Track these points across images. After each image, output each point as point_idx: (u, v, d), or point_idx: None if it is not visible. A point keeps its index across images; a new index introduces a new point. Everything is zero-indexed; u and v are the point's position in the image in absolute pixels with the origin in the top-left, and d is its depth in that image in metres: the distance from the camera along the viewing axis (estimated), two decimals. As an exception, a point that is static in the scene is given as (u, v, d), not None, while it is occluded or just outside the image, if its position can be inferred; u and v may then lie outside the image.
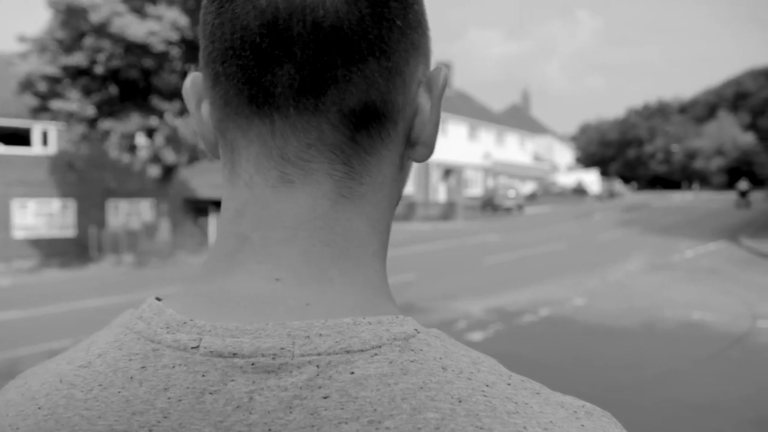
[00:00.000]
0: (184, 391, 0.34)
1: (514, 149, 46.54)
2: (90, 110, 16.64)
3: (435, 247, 17.64)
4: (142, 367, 0.35)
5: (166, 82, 17.33)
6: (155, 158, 17.29)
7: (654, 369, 5.75)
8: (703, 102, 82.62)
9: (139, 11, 15.75)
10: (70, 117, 16.86)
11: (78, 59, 15.95)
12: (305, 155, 0.39)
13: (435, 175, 35.80)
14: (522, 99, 64.88)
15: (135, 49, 15.77)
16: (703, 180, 68.44)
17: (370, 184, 0.41)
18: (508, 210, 32.08)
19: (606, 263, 12.98)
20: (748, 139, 64.57)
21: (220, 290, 0.39)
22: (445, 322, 7.46)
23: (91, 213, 21.70)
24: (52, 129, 20.78)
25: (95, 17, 14.99)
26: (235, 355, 0.34)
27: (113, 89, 17.25)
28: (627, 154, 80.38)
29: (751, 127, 66.49)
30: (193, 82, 0.44)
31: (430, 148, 0.43)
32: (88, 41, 15.68)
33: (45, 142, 21.17)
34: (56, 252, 20.80)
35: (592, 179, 49.41)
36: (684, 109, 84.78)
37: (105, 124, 16.78)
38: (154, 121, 17.00)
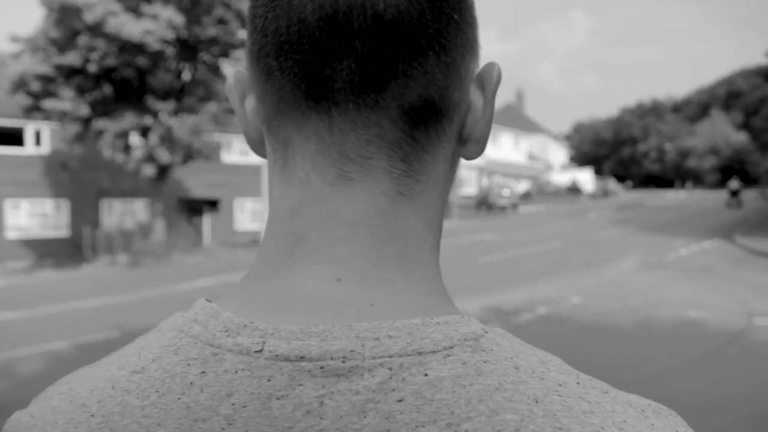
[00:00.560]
0: (249, 396, 0.33)
1: (509, 148, 46.59)
2: (84, 109, 16.57)
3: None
4: (202, 373, 0.34)
5: (161, 82, 17.27)
6: (150, 158, 17.22)
7: (651, 367, 5.77)
8: (695, 101, 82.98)
9: (134, 10, 15.69)
10: (63, 116, 16.78)
11: (72, 58, 15.88)
12: (364, 152, 0.38)
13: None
14: (516, 98, 64.97)
15: (130, 48, 15.70)
16: (696, 179, 68.75)
17: (427, 182, 0.40)
18: (502, 209, 32.12)
19: (601, 262, 13.02)
20: (741, 138, 64.88)
21: (278, 291, 0.38)
22: (442, 321, 7.45)
23: (84, 213, 21.60)
24: (45, 129, 20.67)
25: (90, 16, 14.92)
26: (302, 358, 0.33)
27: (107, 88, 17.17)
28: (621, 153, 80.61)
29: (744, 126, 66.80)
30: (237, 78, 0.43)
31: (482, 146, 0.43)
32: (82, 40, 15.60)
33: (38, 141, 21.06)
34: (50, 252, 20.69)
35: (586, 178, 49.53)
36: (677, 108, 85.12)
37: (99, 123, 16.70)
38: (148, 120, 16.93)
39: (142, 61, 16.12)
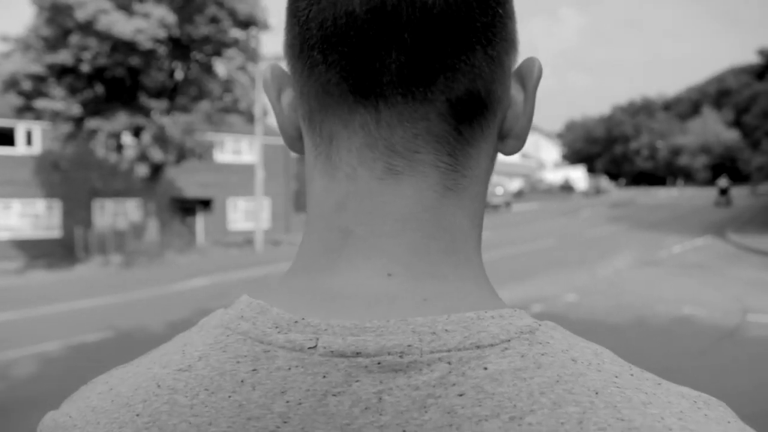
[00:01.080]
0: (304, 393, 0.32)
1: (502, 147, 46.58)
2: (76, 109, 16.46)
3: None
4: (254, 370, 0.34)
5: (154, 81, 17.19)
6: (143, 157, 17.13)
7: (646, 364, 5.68)
8: (686, 99, 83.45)
9: (126, 8, 15.59)
10: (55, 116, 16.66)
11: (63, 57, 15.76)
12: (412, 146, 0.37)
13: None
14: (508, 96, 64.90)
15: (122, 47, 15.61)
16: (688, 176, 69.15)
17: (471, 177, 0.40)
18: (495, 207, 32.19)
19: (595, 259, 13.05)
20: (732, 135, 65.27)
21: (327, 287, 0.37)
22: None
23: (76, 213, 21.48)
24: (37, 128, 20.53)
25: (81, 14, 14.81)
26: (358, 354, 0.33)
27: (99, 88, 17.07)
28: (613, 151, 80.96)
29: (735, 123, 67.21)
30: (274, 73, 0.43)
31: (521, 142, 0.42)
32: (74, 39, 15.49)
33: (29, 141, 20.91)
34: (42, 253, 20.56)
35: (578, 176, 49.71)
36: (668, 106, 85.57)
37: (91, 123, 16.59)
38: (141, 119, 16.85)
39: (134, 60, 16.01)
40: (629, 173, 77.96)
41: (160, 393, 0.35)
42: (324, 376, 0.33)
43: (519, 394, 0.31)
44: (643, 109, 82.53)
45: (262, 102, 19.48)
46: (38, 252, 20.56)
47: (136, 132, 17.30)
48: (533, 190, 47.20)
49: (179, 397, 0.34)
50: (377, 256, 0.37)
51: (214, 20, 16.99)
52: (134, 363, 0.40)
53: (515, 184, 44.64)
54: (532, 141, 60.12)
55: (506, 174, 45.40)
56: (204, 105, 17.95)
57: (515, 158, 49.19)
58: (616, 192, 50.59)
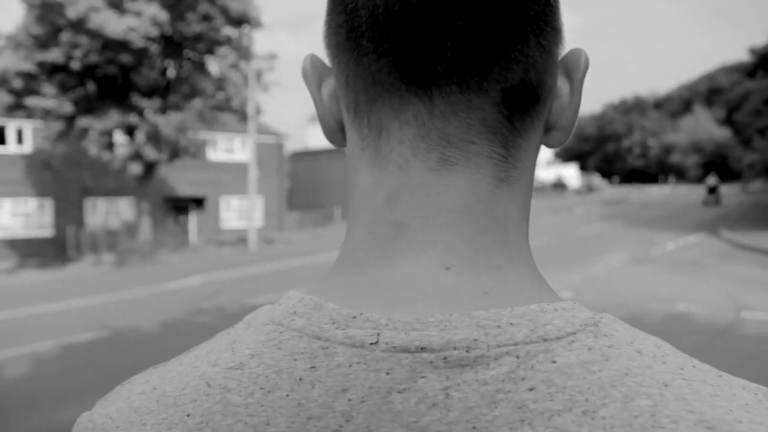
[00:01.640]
0: (367, 391, 0.31)
1: (494, 145, 46.71)
2: (67, 107, 16.35)
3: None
4: (312, 367, 0.33)
5: (146, 79, 17.09)
6: (135, 156, 17.05)
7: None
8: (678, 97, 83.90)
9: (118, 6, 15.49)
10: (46, 114, 16.55)
11: (54, 55, 15.65)
12: (467, 136, 0.36)
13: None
14: (501, 95, 65.02)
15: (113, 45, 15.51)
16: (680, 174, 69.51)
17: (522, 168, 0.39)
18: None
19: (589, 257, 13.09)
20: (724, 133, 65.65)
21: (383, 281, 0.36)
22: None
23: (68, 212, 21.35)
24: (28, 127, 20.39)
25: (72, 12, 14.71)
26: (423, 349, 0.32)
27: (91, 86, 16.96)
28: (605, 149, 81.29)
29: (726, 121, 67.61)
30: (313, 63, 0.41)
31: (567, 134, 0.41)
32: (65, 37, 15.38)
33: (20, 140, 20.76)
34: (33, 252, 20.43)
35: (571, 174, 49.87)
36: (659, 104, 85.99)
37: (83, 121, 16.49)
38: (133, 118, 16.76)
39: (126, 58, 15.92)
40: (621, 171, 78.33)
41: (211, 392, 0.34)
42: (387, 373, 0.32)
43: (590, 388, 0.31)
44: (635, 107, 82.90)
45: (254, 100, 19.42)
46: (30, 251, 20.43)
47: (129, 130, 17.21)
48: (526, 188, 47.28)
49: (233, 396, 0.33)
50: (433, 248, 0.36)
51: (206, 18, 16.91)
52: (174, 362, 0.39)
53: (508, 182, 44.70)
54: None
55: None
56: (196, 103, 17.87)
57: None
58: (608, 190, 50.81)
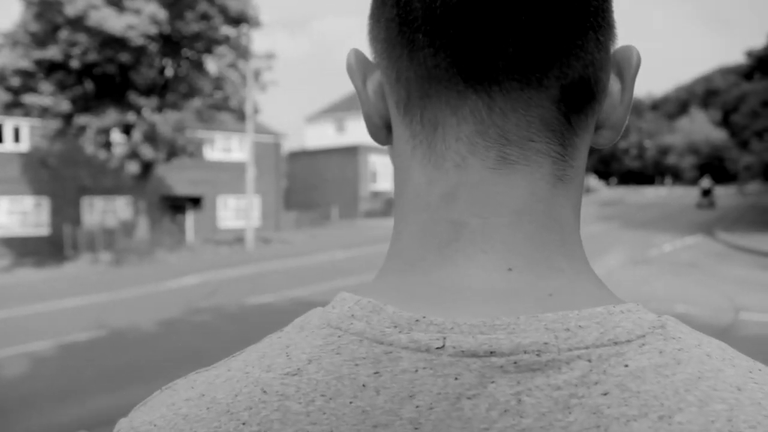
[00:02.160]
0: (435, 397, 0.30)
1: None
2: (65, 105, 16.30)
3: (416, 243, 17.65)
4: (376, 373, 0.31)
5: (144, 77, 17.05)
6: (133, 154, 17.00)
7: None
8: (674, 99, 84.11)
9: (117, 4, 15.45)
10: (44, 112, 16.49)
11: (52, 53, 15.60)
12: (526, 134, 0.35)
13: (413, 172, 35.85)
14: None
15: (112, 43, 15.46)
16: (676, 175, 69.70)
17: (577, 167, 0.38)
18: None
19: (587, 258, 13.10)
20: (720, 135, 65.83)
21: (443, 283, 0.35)
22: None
23: (65, 211, 21.28)
24: (25, 125, 20.32)
25: (71, 10, 14.66)
26: (492, 353, 0.31)
27: (89, 84, 16.91)
28: (601, 150, 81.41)
29: (723, 123, 67.82)
30: (358, 57, 0.40)
31: (617, 133, 0.40)
32: (63, 34, 15.33)
33: (17, 138, 20.69)
34: (30, 251, 20.36)
35: (568, 175, 49.84)
36: (656, 105, 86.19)
37: (80, 119, 16.44)
38: (131, 116, 16.71)
39: (124, 56, 15.88)
40: (618, 172, 78.48)
41: (268, 399, 0.32)
42: (456, 378, 0.30)
43: (664, 392, 0.30)
44: (631, 109, 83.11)
45: (252, 99, 19.39)
46: (26, 250, 20.35)
47: (126, 129, 17.17)
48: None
49: (291, 403, 0.32)
50: (494, 248, 0.35)
51: (205, 17, 16.88)
52: (219, 367, 0.37)
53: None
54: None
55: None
56: (194, 102, 17.84)
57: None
58: (605, 191, 50.90)
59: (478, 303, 0.34)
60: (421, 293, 0.35)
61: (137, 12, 15.31)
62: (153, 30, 15.59)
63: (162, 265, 15.91)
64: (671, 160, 70.11)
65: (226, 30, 17.95)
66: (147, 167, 17.90)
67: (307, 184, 34.07)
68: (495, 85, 0.34)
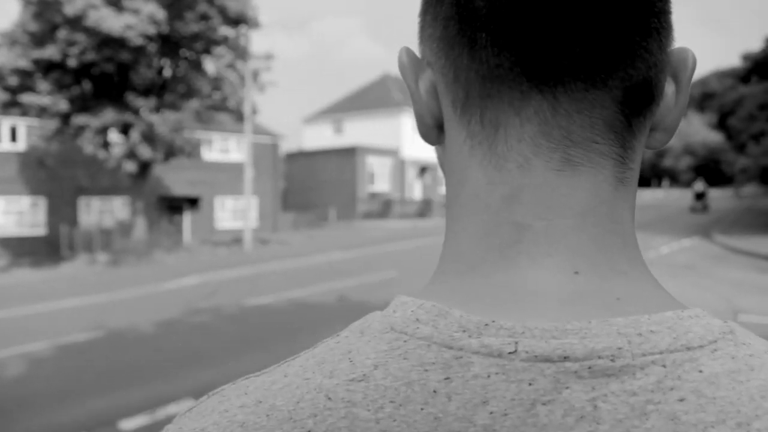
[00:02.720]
0: (509, 403, 0.30)
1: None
2: (63, 105, 16.26)
3: (414, 244, 17.66)
4: (446, 379, 0.31)
5: (142, 77, 17.03)
6: (131, 154, 16.97)
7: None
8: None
9: (116, 4, 15.43)
10: (42, 112, 16.46)
11: (50, 52, 15.57)
12: (590, 135, 0.35)
13: (411, 173, 35.83)
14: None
15: (111, 42, 15.44)
16: (673, 178, 69.86)
17: (634, 169, 0.37)
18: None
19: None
20: (716, 138, 66.02)
21: (509, 285, 0.34)
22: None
23: (62, 211, 21.22)
24: (22, 124, 20.26)
25: (69, 9, 14.64)
26: (566, 358, 0.30)
27: (87, 84, 16.88)
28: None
29: (719, 126, 68.05)
30: (410, 56, 0.40)
31: (670, 135, 0.39)
32: (62, 34, 15.31)
33: (14, 138, 20.63)
34: (26, 251, 20.29)
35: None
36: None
37: (78, 119, 16.41)
38: (129, 116, 16.69)
39: (123, 56, 15.86)
40: (614, 174, 78.69)
41: (334, 407, 0.31)
42: (530, 384, 0.30)
43: (740, 399, 0.29)
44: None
45: (251, 100, 19.38)
46: (22, 250, 20.29)
47: (124, 129, 17.14)
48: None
49: (359, 410, 0.31)
50: (559, 251, 0.35)
51: (204, 17, 16.87)
52: (273, 373, 0.36)
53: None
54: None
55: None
56: (193, 103, 17.82)
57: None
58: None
59: (546, 306, 0.33)
60: (485, 296, 0.34)
61: (136, 12, 15.29)
62: (152, 30, 15.57)
63: (160, 265, 15.89)
64: (668, 162, 70.29)
65: (225, 30, 17.95)
66: (145, 167, 17.87)
67: (305, 186, 34.06)
68: (560, 85, 0.34)
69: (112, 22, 14.72)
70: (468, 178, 0.38)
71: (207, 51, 17.98)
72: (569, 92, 0.34)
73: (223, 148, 25.84)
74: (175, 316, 8.86)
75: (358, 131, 36.37)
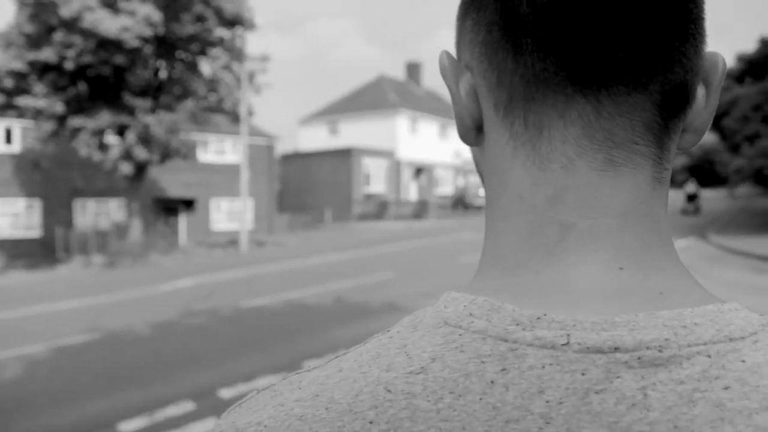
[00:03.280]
0: (564, 392, 0.31)
1: (485, 148, 46.82)
2: (58, 107, 16.23)
3: (410, 245, 17.66)
4: (503, 370, 0.32)
5: (138, 79, 17.01)
6: (126, 156, 16.95)
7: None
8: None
9: (112, 6, 15.41)
10: (37, 114, 16.41)
11: (46, 55, 15.54)
12: (632, 137, 0.36)
13: (406, 174, 35.86)
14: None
15: (107, 45, 15.41)
16: (667, 179, 70.12)
17: (669, 169, 0.39)
18: (479, 208, 32.34)
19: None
20: (710, 138, 66.29)
21: (558, 281, 0.36)
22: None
23: (57, 213, 21.17)
24: (17, 126, 20.21)
25: (66, 11, 14.62)
26: (616, 349, 0.32)
27: (83, 86, 16.84)
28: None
29: (714, 126, 68.28)
30: (450, 59, 0.41)
31: (699, 136, 0.41)
32: (58, 36, 15.28)
33: (9, 140, 20.57)
34: (21, 253, 20.23)
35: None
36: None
37: (74, 121, 16.37)
38: (125, 118, 16.66)
39: (119, 58, 15.83)
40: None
41: (394, 398, 0.32)
42: (583, 374, 0.31)
43: None
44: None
45: (246, 101, 19.37)
46: (18, 252, 20.23)
47: (120, 131, 17.11)
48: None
49: (420, 401, 0.32)
50: (605, 249, 0.36)
51: (200, 19, 16.87)
52: (327, 368, 0.37)
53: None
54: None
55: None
56: (188, 104, 17.80)
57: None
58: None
59: (593, 301, 0.34)
60: (533, 292, 0.36)
61: (132, 14, 15.27)
62: (148, 32, 15.56)
63: (156, 267, 15.86)
64: (662, 163, 70.63)
65: (221, 32, 17.95)
66: (140, 169, 17.85)
67: (301, 187, 34.05)
68: (603, 89, 0.35)
69: (108, 24, 14.70)
70: (510, 179, 0.39)
71: (203, 52, 17.97)
72: (612, 96, 0.35)
73: (219, 150, 25.82)
74: (172, 317, 8.86)
75: (353, 133, 36.38)
